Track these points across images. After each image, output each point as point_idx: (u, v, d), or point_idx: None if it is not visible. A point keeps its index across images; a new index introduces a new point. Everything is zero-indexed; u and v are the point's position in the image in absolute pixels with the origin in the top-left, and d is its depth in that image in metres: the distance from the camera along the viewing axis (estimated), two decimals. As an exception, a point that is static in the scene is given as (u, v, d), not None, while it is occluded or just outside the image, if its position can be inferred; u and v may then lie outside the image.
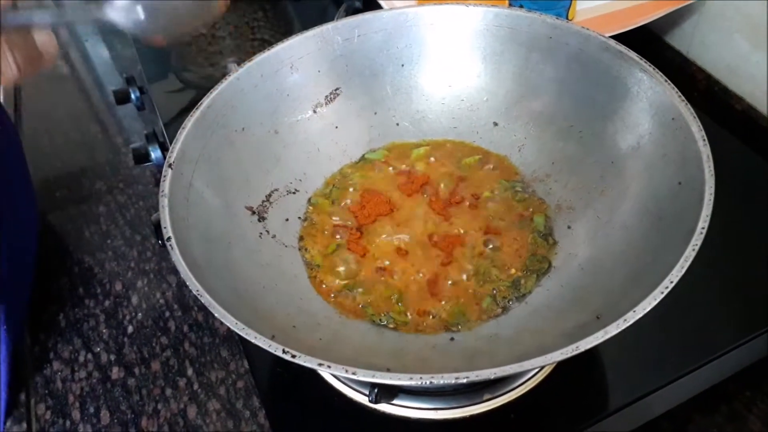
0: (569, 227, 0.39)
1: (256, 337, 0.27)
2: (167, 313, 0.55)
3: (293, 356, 0.26)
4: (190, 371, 0.51)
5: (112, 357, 0.53)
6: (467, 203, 0.42)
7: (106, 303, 0.57)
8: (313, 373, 0.41)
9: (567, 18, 0.56)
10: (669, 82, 0.36)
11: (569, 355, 0.25)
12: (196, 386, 0.50)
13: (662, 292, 0.27)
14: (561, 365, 0.39)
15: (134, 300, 0.57)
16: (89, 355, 0.54)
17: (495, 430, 0.38)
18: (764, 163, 0.53)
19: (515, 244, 0.39)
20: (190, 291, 0.58)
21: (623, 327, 0.26)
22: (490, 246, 0.39)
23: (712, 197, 0.30)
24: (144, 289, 0.58)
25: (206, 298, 0.29)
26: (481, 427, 0.38)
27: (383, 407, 0.38)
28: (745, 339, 0.41)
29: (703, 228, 0.29)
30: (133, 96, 0.70)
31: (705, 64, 0.61)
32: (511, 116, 0.44)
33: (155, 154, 0.62)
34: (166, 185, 0.34)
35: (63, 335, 0.55)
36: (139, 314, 0.56)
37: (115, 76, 0.84)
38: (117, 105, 0.71)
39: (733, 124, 0.58)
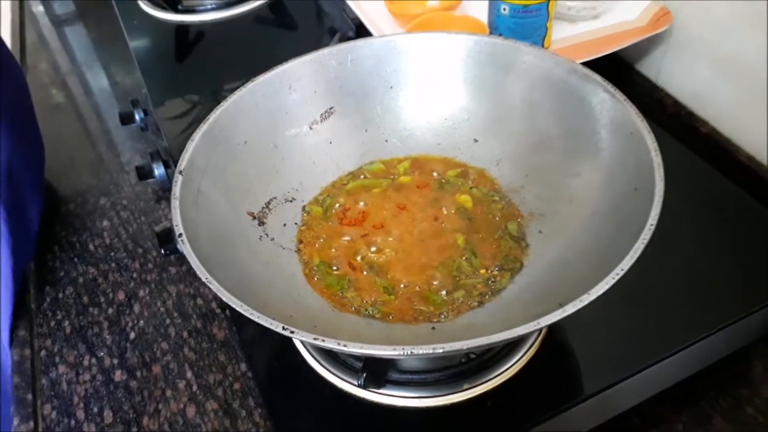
0: (540, 231, 0.43)
1: (259, 317, 0.30)
2: (167, 321, 0.58)
3: (292, 332, 0.30)
4: (189, 374, 0.54)
5: (115, 361, 0.56)
6: (449, 211, 0.46)
7: (110, 311, 0.60)
8: (306, 367, 0.44)
9: (542, 46, 0.61)
10: (628, 100, 0.40)
11: (531, 329, 0.29)
12: (195, 388, 0.52)
13: (614, 278, 0.31)
14: (536, 357, 0.43)
15: (136, 308, 0.60)
16: (93, 360, 0.56)
17: (473, 417, 0.41)
18: (727, 182, 0.57)
19: (492, 246, 0.43)
20: (190, 300, 0.62)
21: (579, 306, 0.30)
22: (470, 249, 0.43)
23: (662, 198, 0.34)
24: (146, 298, 0.61)
25: (215, 285, 0.32)
26: (460, 414, 0.41)
27: (372, 396, 0.41)
28: (700, 336, 0.44)
29: (652, 224, 0.33)
30: (137, 117, 0.75)
31: (672, 91, 0.66)
32: (490, 133, 0.49)
33: (158, 171, 0.66)
34: (177, 189, 0.38)
35: (68, 341, 0.58)
36: (141, 321, 0.59)
37: (112, 101, 0.89)
38: (122, 125, 0.75)
39: (698, 145, 0.63)
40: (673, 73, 0.65)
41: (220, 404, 0.51)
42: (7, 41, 1.03)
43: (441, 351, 0.28)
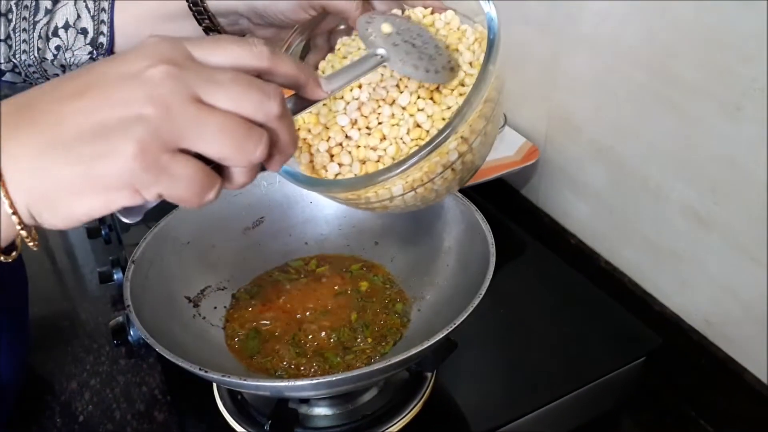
0: (419, 310, 0.56)
1: (182, 362, 0.41)
2: (114, 405, 0.66)
3: (205, 371, 0.40)
4: (131, 450, 0.61)
5: (63, 440, 0.63)
6: (351, 295, 0.57)
7: (62, 398, 0.67)
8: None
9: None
10: (478, 211, 0.54)
11: (382, 365, 0.40)
12: (134, 462, 0.59)
13: (445, 332, 0.42)
14: (424, 411, 0.54)
15: (87, 395, 0.67)
16: (43, 439, 0.63)
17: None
18: (586, 281, 0.71)
19: (381, 321, 0.55)
20: (136, 387, 0.69)
21: (420, 349, 0.41)
22: (363, 323, 0.54)
23: (490, 277, 0.47)
24: (96, 387, 0.68)
25: (151, 340, 0.42)
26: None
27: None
28: (561, 394, 0.57)
29: (480, 294, 0.45)
30: (103, 232, 0.86)
31: (549, 210, 0.82)
32: (386, 238, 0.62)
33: (117, 275, 0.77)
34: (129, 273, 0.49)
35: (21, 423, 0.64)
36: (90, 406, 0.66)
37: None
38: (89, 239, 0.87)
39: (569, 254, 0.77)
40: (548, 196, 0.81)
41: (157, 476, 0.58)
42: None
43: (315, 382, 0.39)
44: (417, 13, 0.44)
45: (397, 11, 0.45)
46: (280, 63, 0.32)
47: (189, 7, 0.48)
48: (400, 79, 0.42)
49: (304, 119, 0.43)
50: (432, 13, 0.45)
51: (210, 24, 0.49)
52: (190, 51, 0.30)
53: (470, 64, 0.42)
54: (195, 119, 0.28)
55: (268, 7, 0.47)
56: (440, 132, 0.37)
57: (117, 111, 0.28)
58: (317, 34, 0.49)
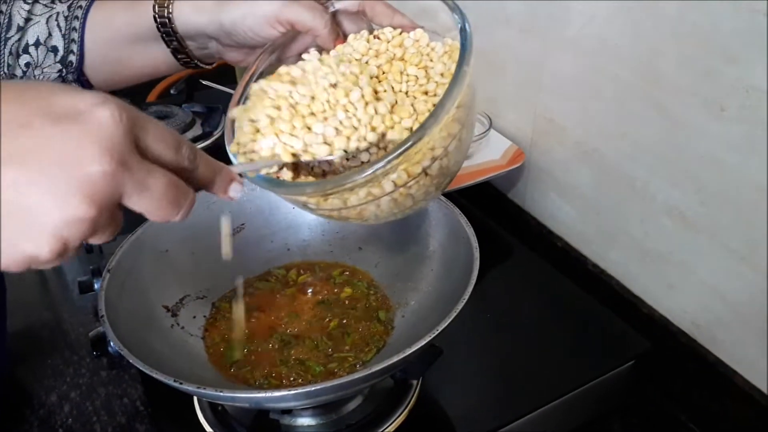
0: (403, 316, 0.54)
1: (156, 373, 0.39)
2: (94, 418, 0.64)
3: (180, 383, 0.39)
4: (111, 463, 0.59)
5: (42, 456, 0.61)
6: (332, 302, 0.56)
7: (41, 411, 0.66)
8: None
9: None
10: (462, 214, 0.53)
11: (364, 374, 0.39)
12: (115, 475, 0.58)
13: (429, 338, 0.41)
14: (410, 419, 0.53)
15: (66, 408, 0.66)
16: (20, 455, 0.61)
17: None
18: (572, 285, 0.70)
19: (364, 329, 0.53)
20: (117, 399, 0.68)
21: (402, 356, 0.40)
22: (345, 331, 0.53)
23: (474, 281, 0.46)
24: (76, 399, 0.67)
25: (125, 351, 0.41)
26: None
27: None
28: (550, 400, 0.56)
29: (464, 299, 0.44)
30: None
31: (535, 214, 0.81)
32: (370, 243, 0.61)
33: (97, 285, 0.75)
34: (104, 283, 0.48)
35: (-2, 440, 0.63)
36: (70, 420, 0.64)
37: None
38: (69, 248, 0.85)
39: (556, 257, 0.76)
40: (534, 200, 0.80)
41: (138, 488, 0.56)
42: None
43: (294, 392, 0.38)
44: (386, 33, 0.44)
45: (365, 32, 0.45)
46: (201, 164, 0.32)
47: (157, 27, 0.47)
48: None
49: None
50: (401, 33, 0.44)
51: (178, 46, 0.49)
52: (139, 137, 0.29)
53: (441, 74, 0.41)
54: (106, 225, 0.28)
55: (236, 24, 0.46)
56: (415, 132, 0.36)
57: (45, 185, 0.26)
58: (287, 57, 0.48)
